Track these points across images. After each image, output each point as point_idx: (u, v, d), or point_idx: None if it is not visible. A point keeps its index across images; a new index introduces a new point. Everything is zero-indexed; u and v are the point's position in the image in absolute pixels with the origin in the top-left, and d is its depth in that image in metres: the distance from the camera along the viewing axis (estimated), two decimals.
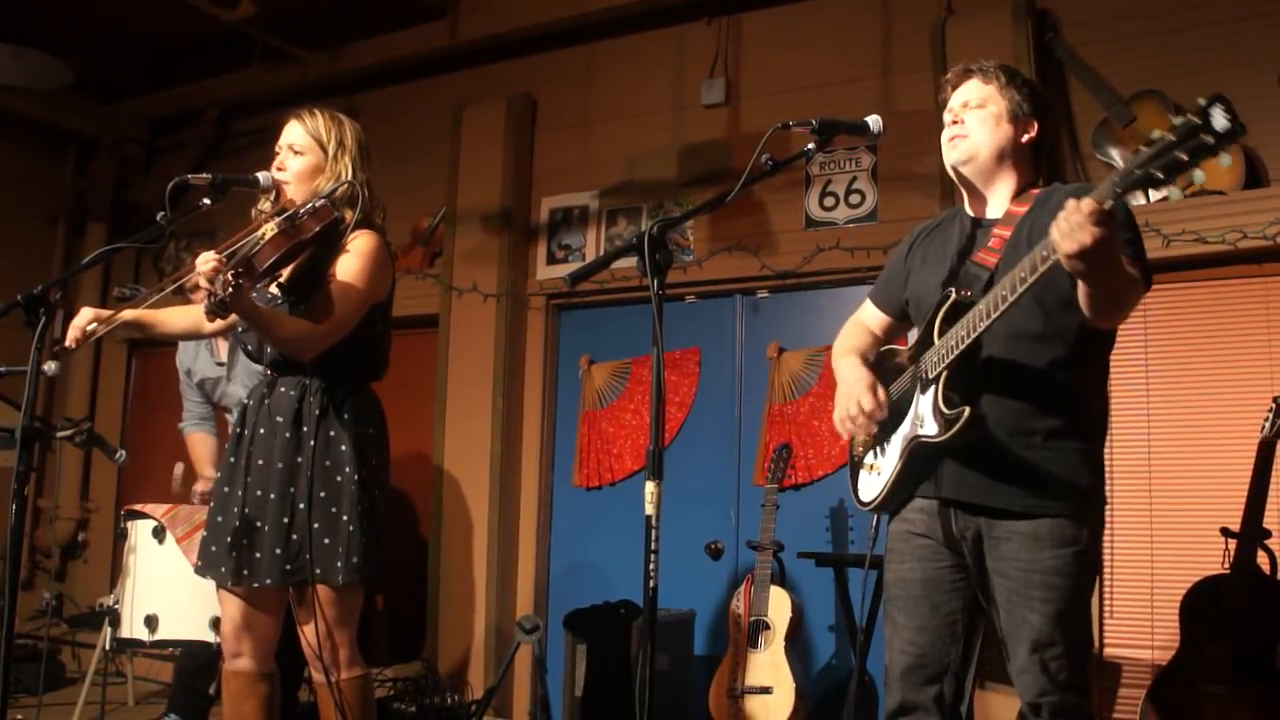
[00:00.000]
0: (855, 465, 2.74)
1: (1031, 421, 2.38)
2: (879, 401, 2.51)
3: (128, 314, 3.06)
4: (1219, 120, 1.81)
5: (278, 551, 2.91)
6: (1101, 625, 4.21)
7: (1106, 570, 4.23)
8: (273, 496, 2.94)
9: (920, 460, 2.47)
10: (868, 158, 4.90)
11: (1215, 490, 4.02)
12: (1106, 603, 4.23)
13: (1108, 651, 4.20)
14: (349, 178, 3.03)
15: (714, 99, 5.29)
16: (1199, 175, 4.11)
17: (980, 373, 2.39)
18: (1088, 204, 1.97)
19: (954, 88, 2.62)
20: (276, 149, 3.12)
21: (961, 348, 2.33)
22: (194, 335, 3.52)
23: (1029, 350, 2.40)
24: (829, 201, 4.94)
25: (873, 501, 2.62)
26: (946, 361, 2.37)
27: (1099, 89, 4.35)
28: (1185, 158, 1.84)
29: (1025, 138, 2.55)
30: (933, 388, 2.40)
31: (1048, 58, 4.53)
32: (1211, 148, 1.82)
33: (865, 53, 4.93)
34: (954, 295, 2.43)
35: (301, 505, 2.91)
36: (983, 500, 2.40)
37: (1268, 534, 3.57)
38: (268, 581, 2.92)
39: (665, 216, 2.63)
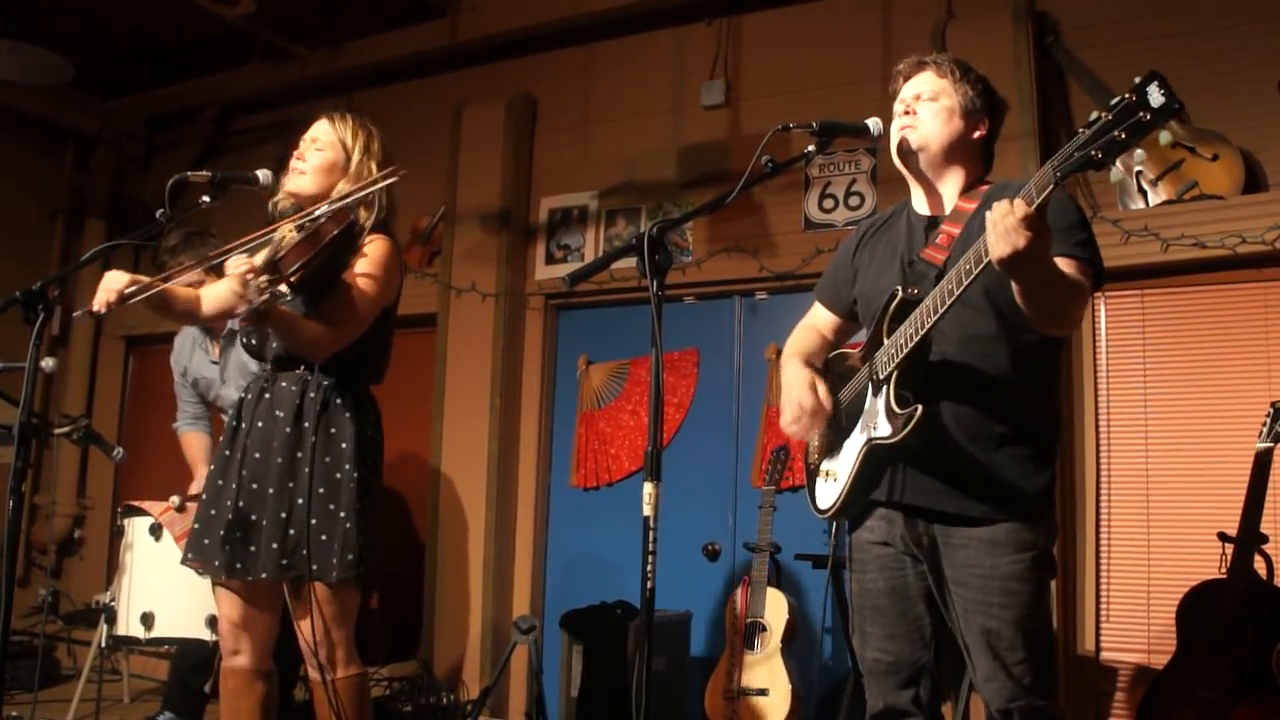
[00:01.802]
0: (811, 473, 2.72)
1: (986, 425, 2.37)
2: (820, 399, 2.49)
3: (163, 285, 3.01)
4: (1155, 97, 1.80)
5: (274, 546, 2.90)
6: (1098, 629, 4.21)
7: (1103, 573, 4.24)
8: (271, 491, 2.93)
9: (876, 463, 2.45)
10: (867, 160, 4.90)
11: (1213, 495, 4.02)
12: (1103, 606, 4.23)
13: (1104, 655, 4.20)
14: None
15: (714, 100, 5.29)
16: (1197, 179, 4.11)
17: (934, 374, 2.37)
18: (1020, 207, 1.95)
19: (906, 79, 2.60)
20: (301, 141, 3.13)
21: (910, 346, 2.30)
22: (218, 319, 3.49)
23: (982, 352, 2.39)
24: (828, 203, 4.94)
25: (830, 508, 2.58)
26: (896, 361, 2.34)
27: (1099, 92, 4.34)
28: (1123, 136, 1.83)
29: (976, 134, 2.54)
30: (884, 388, 2.37)
31: (1048, 61, 4.53)
32: (1148, 124, 1.81)
33: (865, 55, 4.92)
34: (901, 293, 2.40)
35: (300, 501, 2.91)
36: (939, 506, 2.39)
37: (1265, 539, 3.56)
38: (264, 576, 2.91)
39: (664, 218, 2.63)
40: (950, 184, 2.54)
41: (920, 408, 2.28)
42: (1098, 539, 4.26)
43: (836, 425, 2.57)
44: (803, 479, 4.72)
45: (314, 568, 2.89)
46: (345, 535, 2.92)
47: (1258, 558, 3.57)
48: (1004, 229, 1.97)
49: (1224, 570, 3.55)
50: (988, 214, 2.03)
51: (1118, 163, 4.25)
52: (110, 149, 7.23)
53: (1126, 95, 1.82)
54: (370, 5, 6.03)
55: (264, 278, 2.63)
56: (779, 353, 4.94)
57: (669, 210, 5.30)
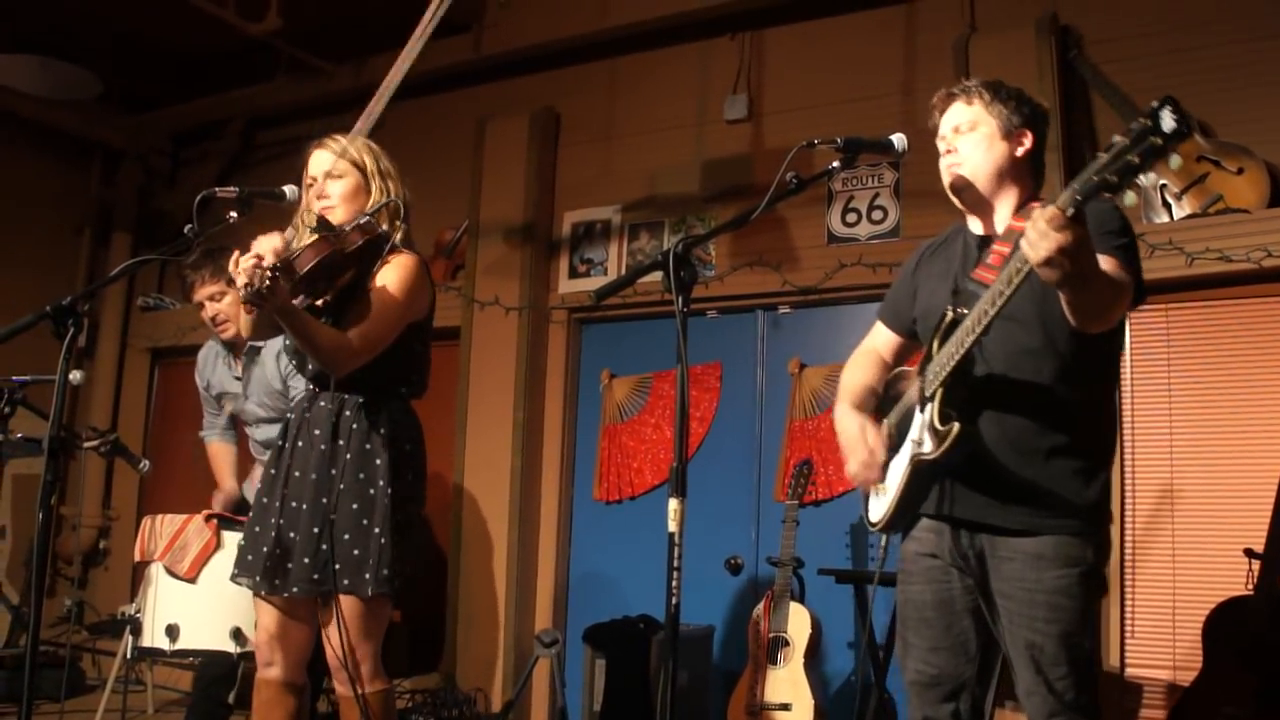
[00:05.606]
0: None
1: (1034, 438, 2.38)
2: (872, 446, 2.56)
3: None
4: (1167, 121, 1.81)
5: (305, 561, 2.92)
6: (1123, 645, 4.18)
7: (1128, 589, 4.21)
8: (305, 507, 2.96)
9: (922, 478, 2.47)
10: (890, 174, 4.89)
11: (1238, 510, 3.99)
12: (1128, 622, 4.20)
13: (1129, 672, 4.17)
14: (392, 195, 3.08)
15: (737, 114, 5.30)
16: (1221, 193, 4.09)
17: (980, 389, 2.39)
18: (1049, 211, 1.96)
19: (941, 112, 2.61)
20: (308, 181, 3.09)
21: (952, 364, 2.33)
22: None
23: (1030, 366, 2.40)
24: (851, 218, 4.94)
25: (880, 522, 2.62)
26: (940, 378, 2.37)
27: (1123, 106, 4.33)
28: (1137, 161, 1.84)
29: (1020, 151, 2.54)
30: (930, 405, 2.40)
31: (1071, 75, 4.52)
32: (1160, 149, 1.82)
33: (889, 69, 4.93)
34: (951, 313, 2.42)
35: (332, 517, 2.92)
36: (985, 518, 2.41)
37: None
38: (295, 590, 2.93)
39: (689, 233, 2.65)
40: (1005, 204, 2.55)
41: (958, 425, 2.30)
42: (1122, 554, 4.23)
43: (891, 443, 2.60)
44: (824, 493, 4.78)
45: (345, 582, 2.91)
46: (381, 550, 2.93)
47: None
48: (1035, 235, 1.98)
49: (1250, 587, 3.53)
50: (1025, 229, 2.04)
51: (1142, 179, 4.23)
52: (137, 163, 7.30)
53: (1141, 119, 1.84)
54: (395, 20, 6.07)
55: (269, 269, 2.61)
56: (801, 367, 4.97)
57: (692, 224, 5.30)
